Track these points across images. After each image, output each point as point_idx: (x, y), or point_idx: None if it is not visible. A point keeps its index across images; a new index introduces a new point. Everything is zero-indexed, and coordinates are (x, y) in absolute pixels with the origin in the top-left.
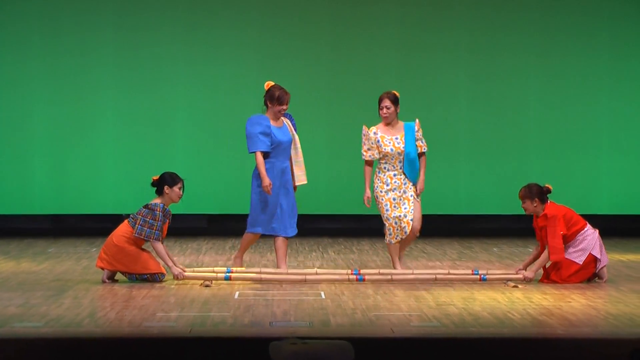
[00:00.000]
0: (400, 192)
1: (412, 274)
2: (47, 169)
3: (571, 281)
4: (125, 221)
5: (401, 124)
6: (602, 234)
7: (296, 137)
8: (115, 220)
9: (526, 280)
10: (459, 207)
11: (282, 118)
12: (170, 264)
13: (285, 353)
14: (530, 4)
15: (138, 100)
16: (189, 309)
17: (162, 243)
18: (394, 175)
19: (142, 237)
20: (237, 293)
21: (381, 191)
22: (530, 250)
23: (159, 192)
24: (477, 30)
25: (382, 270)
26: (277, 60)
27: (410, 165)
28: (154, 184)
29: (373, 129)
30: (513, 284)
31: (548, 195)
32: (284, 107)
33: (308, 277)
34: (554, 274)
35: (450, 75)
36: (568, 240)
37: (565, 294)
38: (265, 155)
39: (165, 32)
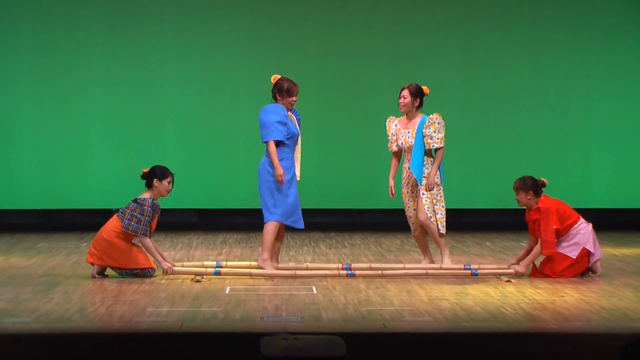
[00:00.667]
0: (413, 186)
1: (404, 268)
2: (37, 163)
3: (564, 275)
4: (115, 216)
5: (419, 117)
6: (596, 228)
7: (300, 132)
8: (105, 214)
9: (517, 275)
10: (450, 201)
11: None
12: (160, 258)
13: (276, 348)
14: None
15: (129, 95)
16: (180, 304)
17: (149, 238)
18: (409, 168)
19: (129, 231)
20: (228, 288)
21: (401, 185)
22: (523, 244)
23: (149, 185)
24: (468, 26)
25: (373, 265)
26: (267, 57)
27: (415, 161)
28: (143, 176)
29: (395, 120)
30: (506, 279)
31: (543, 189)
32: (294, 98)
33: (298, 272)
34: (547, 268)
35: (442, 70)
36: (561, 234)
37: (558, 289)
38: (279, 145)
39: (156, 28)
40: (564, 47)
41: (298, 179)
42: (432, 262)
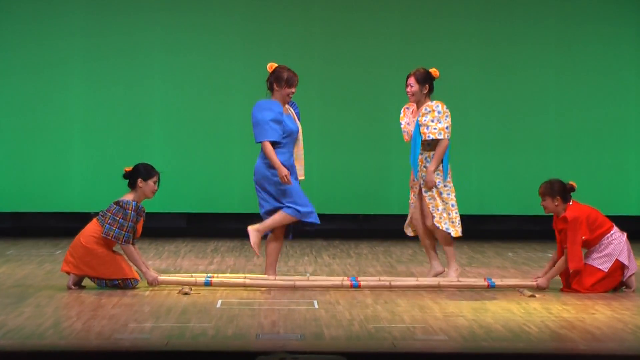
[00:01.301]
0: (414, 183)
1: (416, 280)
2: (7, 161)
3: (595, 290)
4: (94, 219)
5: (426, 105)
6: (631, 238)
7: (300, 127)
8: (83, 218)
9: (539, 289)
10: (469, 206)
11: (286, 105)
12: (144, 268)
13: None
14: None
15: (110, 88)
16: (165, 319)
17: (133, 245)
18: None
19: (109, 238)
20: (219, 301)
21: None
22: (550, 255)
23: (132, 186)
24: (489, 17)
25: (382, 278)
26: (264, 48)
27: (412, 154)
28: (126, 175)
29: (412, 108)
30: (530, 293)
31: (572, 194)
32: (293, 90)
33: (297, 283)
34: (576, 283)
35: (460, 66)
36: (592, 244)
37: (588, 305)
38: (275, 146)
39: (140, 16)
40: (595, 38)
41: (302, 177)
42: (441, 271)
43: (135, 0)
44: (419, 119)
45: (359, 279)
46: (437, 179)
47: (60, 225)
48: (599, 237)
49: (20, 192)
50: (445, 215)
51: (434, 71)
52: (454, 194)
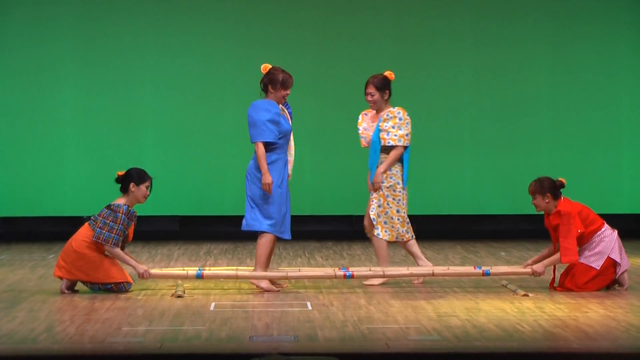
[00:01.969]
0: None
1: (407, 270)
2: None
3: (588, 289)
4: (86, 224)
5: (387, 111)
6: (623, 236)
7: (291, 127)
8: (75, 223)
9: (535, 276)
10: (462, 206)
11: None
12: (134, 263)
13: None
14: None
15: (102, 91)
16: (159, 323)
17: (122, 250)
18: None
19: (99, 241)
20: (212, 304)
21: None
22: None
23: (124, 190)
24: (482, 18)
25: (373, 267)
26: (256, 51)
27: (370, 157)
28: (118, 179)
29: (370, 114)
30: (523, 293)
31: (562, 190)
32: (288, 91)
33: (290, 273)
34: (569, 281)
35: (453, 66)
36: (583, 242)
37: (581, 304)
38: (270, 146)
39: (132, 20)
40: (589, 38)
41: (289, 177)
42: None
43: (127, 4)
44: (379, 124)
45: (350, 269)
46: (391, 182)
47: (53, 230)
48: (591, 234)
49: (13, 197)
50: (382, 218)
51: (389, 74)
52: (404, 202)
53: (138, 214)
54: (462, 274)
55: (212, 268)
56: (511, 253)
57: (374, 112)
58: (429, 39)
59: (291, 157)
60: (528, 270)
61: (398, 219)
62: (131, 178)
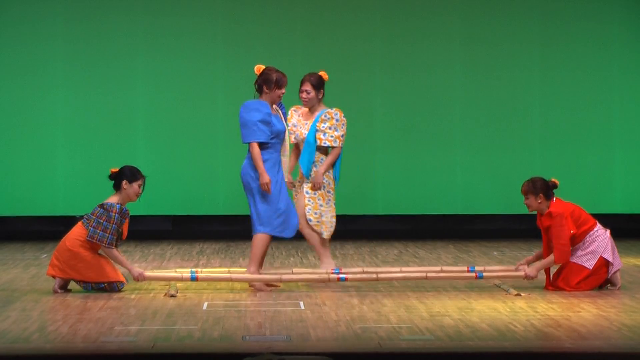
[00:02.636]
0: (299, 182)
1: (400, 271)
2: None
3: (580, 288)
4: (80, 223)
5: (321, 109)
6: (615, 235)
7: (286, 127)
8: (68, 222)
9: (528, 279)
10: (454, 206)
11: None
12: (129, 265)
13: None
14: None
15: (93, 91)
16: (152, 322)
17: (116, 248)
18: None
19: (94, 240)
20: (205, 304)
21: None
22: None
23: (117, 187)
24: (473, 16)
25: (366, 269)
26: (247, 50)
27: (304, 155)
28: (111, 176)
29: (300, 110)
30: (515, 292)
31: (554, 190)
32: (283, 91)
33: (284, 276)
34: (561, 281)
35: (444, 65)
36: (576, 241)
37: (574, 303)
38: (263, 146)
39: (122, 20)
40: (580, 37)
41: (289, 180)
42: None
43: (117, 4)
44: (316, 124)
45: (343, 270)
46: (325, 182)
47: (45, 229)
48: (583, 234)
49: (5, 196)
50: (319, 215)
51: (323, 74)
52: (334, 201)
53: (130, 214)
54: (454, 277)
55: (204, 270)
56: (504, 253)
57: (305, 109)
58: (419, 38)
59: (286, 157)
60: (521, 274)
61: (331, 216)
62: (124, 175)
